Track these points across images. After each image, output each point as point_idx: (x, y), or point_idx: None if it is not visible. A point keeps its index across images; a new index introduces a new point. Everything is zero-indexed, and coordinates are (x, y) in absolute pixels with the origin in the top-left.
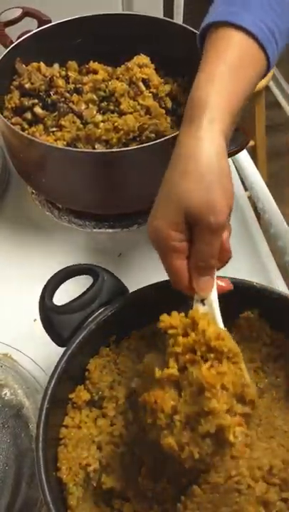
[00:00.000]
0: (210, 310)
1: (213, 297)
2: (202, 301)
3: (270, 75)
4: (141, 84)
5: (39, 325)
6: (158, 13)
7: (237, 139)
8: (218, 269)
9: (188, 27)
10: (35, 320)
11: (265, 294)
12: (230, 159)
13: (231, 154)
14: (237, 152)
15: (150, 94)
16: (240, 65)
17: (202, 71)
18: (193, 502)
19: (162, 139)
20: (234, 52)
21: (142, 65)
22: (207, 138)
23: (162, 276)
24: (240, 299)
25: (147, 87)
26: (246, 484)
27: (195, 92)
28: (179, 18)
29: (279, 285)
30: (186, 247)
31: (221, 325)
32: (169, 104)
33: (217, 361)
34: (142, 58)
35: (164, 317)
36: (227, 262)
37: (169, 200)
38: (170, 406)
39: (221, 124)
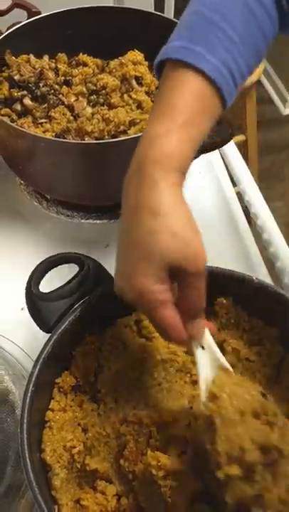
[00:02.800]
0: (211, 351)
1: (209, 337)
2: (201, 346)
3: (260, 70)
4: (134, 81)
5: (27, 313)
6: (149, 7)
7: (221, 132)
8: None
9: (177, 21)
10: (22, 309)
11: (244, 283)
12: (219, 155)
13: (216, 147)
14: (222, 144)
15: (142, 90)
16: (197, 115)
17: (157, 122)
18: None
19: None
20: (190, 101)
21: (135, 61)
22: (165, 190)
23: None
24: (220, 287)
25: (140, 84)
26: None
27: (148, 146)
28: (170, 13)
29: (264, 277)
30: (171, 294)
31: (226, 363)
32: None
33: None
34: (136, 54)
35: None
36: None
37: (149, 258)
38: None
39: (176, 176)
